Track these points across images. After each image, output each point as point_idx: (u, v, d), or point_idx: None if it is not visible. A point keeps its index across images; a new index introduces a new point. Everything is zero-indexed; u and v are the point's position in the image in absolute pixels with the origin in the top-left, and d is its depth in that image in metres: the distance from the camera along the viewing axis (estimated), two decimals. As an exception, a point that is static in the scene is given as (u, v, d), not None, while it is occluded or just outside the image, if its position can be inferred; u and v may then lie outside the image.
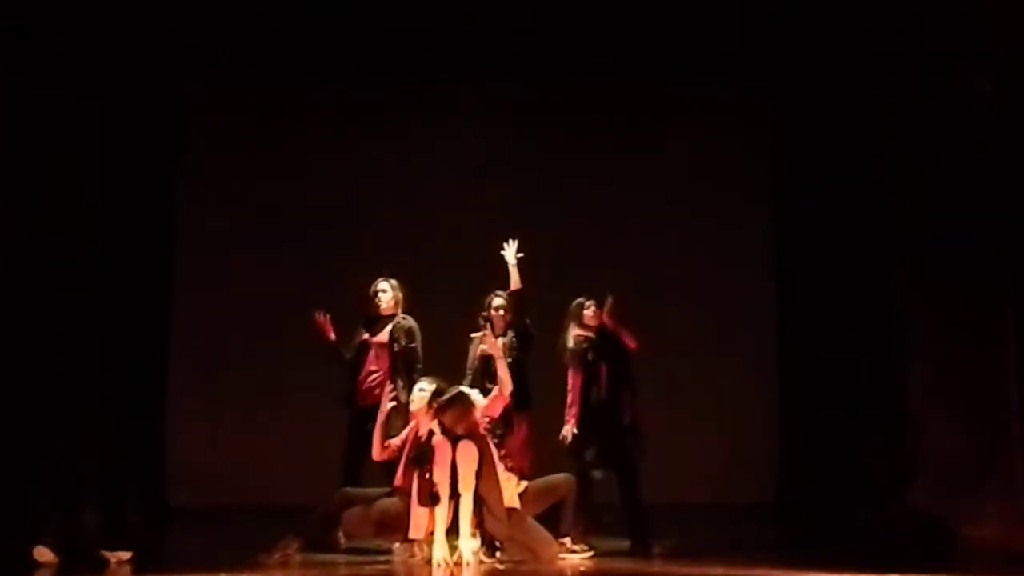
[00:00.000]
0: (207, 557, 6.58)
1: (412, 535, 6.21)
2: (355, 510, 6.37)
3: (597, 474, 6.85)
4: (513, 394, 6.67)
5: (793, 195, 9.58)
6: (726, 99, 9.80)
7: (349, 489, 6.65)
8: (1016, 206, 7.37)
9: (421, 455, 6.19)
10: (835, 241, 9.00)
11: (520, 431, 6.98)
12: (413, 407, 6.47)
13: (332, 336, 7.19)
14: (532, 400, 7.08)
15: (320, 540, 6.50)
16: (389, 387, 6.93)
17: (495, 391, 6.53)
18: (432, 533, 6.09)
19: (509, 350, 6.91)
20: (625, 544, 6.81)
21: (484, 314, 7.08)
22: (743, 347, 9.61)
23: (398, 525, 6.28)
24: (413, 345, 7.10)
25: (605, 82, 9.64)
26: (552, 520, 6.53)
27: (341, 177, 9.68)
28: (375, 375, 7.10)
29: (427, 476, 6.09)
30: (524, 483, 6.50)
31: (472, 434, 6.20)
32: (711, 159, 9.77)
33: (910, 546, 7.11)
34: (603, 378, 6.92)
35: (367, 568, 6.22)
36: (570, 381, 7.00)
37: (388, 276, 7.29)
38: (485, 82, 9.58)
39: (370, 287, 7.26)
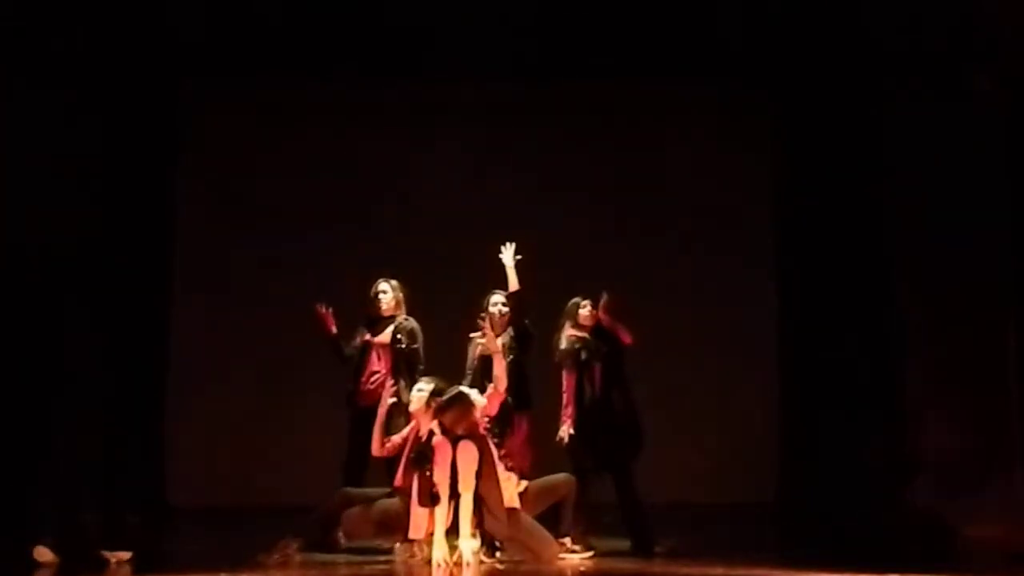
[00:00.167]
0: (207, 557, 6.58)
1: (412, 535, 6.21)
2: (355, 510, 6.38)
3: (593, 474, 6.85)
4: (513, 394, 6.67)
5: (793, 195, 9.58)
6: (726, 99, 9.79)
7: (349, 489, 6.65)
8: (1016, 206, 7.38)
9: (421, 455, 6.19)
10: (835, 241, 9.00)
11: (520, 431, 6.98)
12: (412, 407, 6.48)
13: (334, 329, 7.19)
14: (532, 400, 7.08)
15: (320, 540, 6.49)
16: (391, 382, 6.94)
17: (491, 388, 6.53)
18: (432, 533, 6.08)
19: (508, 350, 6.91)
20: (625, 544, 6.81)
21: (483, 313, 7.08)
22: (743, 347, 9.61)
23: (398, 525, 6.28)
24: (416, 346, 7.10)
25: (605, 82, 9.64)
26: (552, 520, 6.53)
27: (341, 177, 9.68)
28: (377, 376, 7.10)
29: (427, 476, 6.09)
30: (524, 483, 6.50)
31: (472, 434, 6.20)
32: (711, 159, 9.77)
33: (910, 546, 7.11)
34: (597, 378, 6.93)
35: (367, 568, 6.22)
36: (564, 382, 7.02)
37: (388, 277, 7.29)
38: (485, 82, 9.58)
39: (370, 288, 7.26)
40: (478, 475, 6.11)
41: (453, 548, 6.04)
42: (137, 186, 8.86)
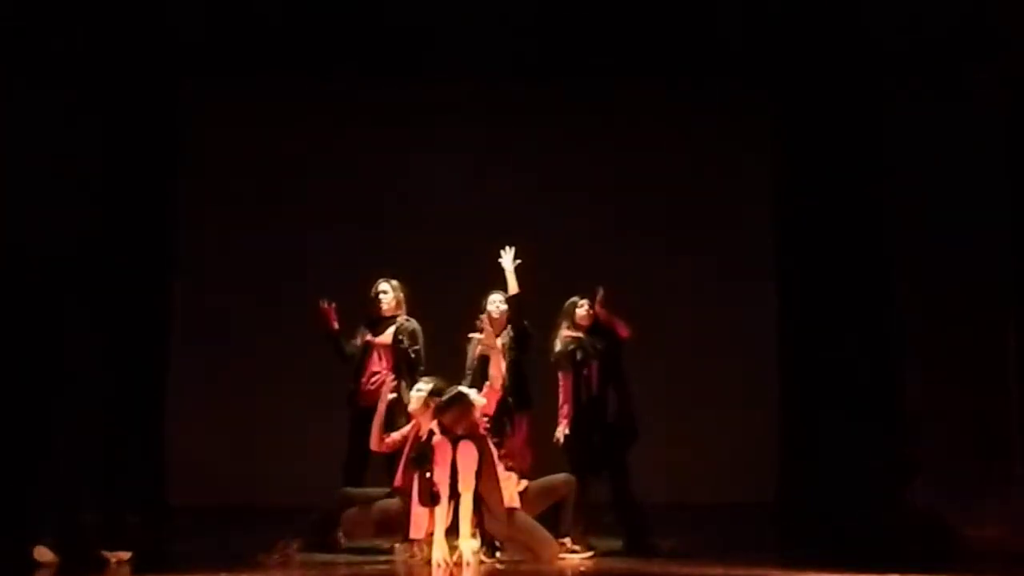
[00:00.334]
0: (207, 557, 6.58)
1: (412, 535, 6.22)
2: (355, 510, 6.38)
3: (592, 474, 6.85)
4: (513, 394, 6.68)
5: (793, 195, 9.56)
6: (726, 99, 9.78)
7: (349, 489, 6.66)
8: (1016, 206, 7.38)
9: (421, 455, 6.20)
10: (835, 241, 8.99)
11: (520, 431, 6.99)
12: (412, 407, 6.49)
13: (336, 325, 7.19)
14: (532, 400, 7.09)
15: (320, 540, 6.50)
16: (391, 378, 6.94)
17: (487, 386, 6.54)
18: (432, 533, 6.09)
19: (508, 350, 6.92)
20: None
21: (482, 314, 7.08)
22: (743, 347, 9.59)
23: (398, 525, 6.29)
24: (417, 347, 7.11)
25: (605, 82, 9.63)
26: (552, 520, 6.54)
27: (341, 177, 9.67)
28: (377, 376, 7.10)
29: (427, 476, 6.09)
30: (524, 483, 6.51)
31: (472, 434, 6.21)
32: (711, 159, 9.76)
33: (910, 546, 7.11)
34: (594, 377, 6.94)
35: (367, 568, 6.22)
36: (560, 382, 7.03)
37: (389, 277, 7.29)
38: (485, 82, 9.57)
39: (371, 288, 7.25)
40: (478, 475, 6.12)
41: (453, 548, 6.05)
42: (137, 186, 8.86)
